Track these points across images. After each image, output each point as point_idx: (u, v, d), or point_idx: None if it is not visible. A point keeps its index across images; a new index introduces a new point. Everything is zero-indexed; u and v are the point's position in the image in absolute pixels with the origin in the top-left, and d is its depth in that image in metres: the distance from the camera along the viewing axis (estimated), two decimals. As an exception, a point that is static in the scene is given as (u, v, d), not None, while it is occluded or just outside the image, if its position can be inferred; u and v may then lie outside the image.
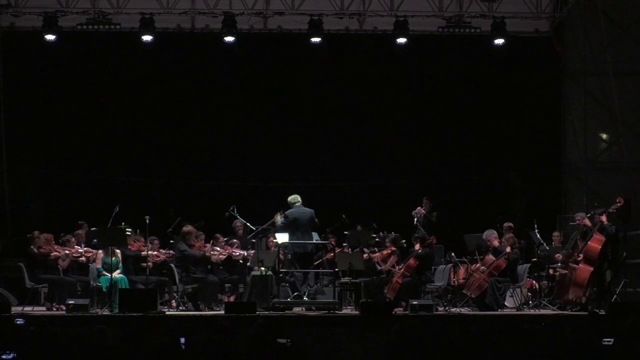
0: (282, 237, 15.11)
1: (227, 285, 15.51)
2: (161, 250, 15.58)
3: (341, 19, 18.62)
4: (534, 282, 15.80)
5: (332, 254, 15.24)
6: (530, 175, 19.40)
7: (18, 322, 11.04)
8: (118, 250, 14.75)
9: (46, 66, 18.87)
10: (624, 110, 18.46)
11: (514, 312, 14.68)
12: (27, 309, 14.14)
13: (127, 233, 14.90)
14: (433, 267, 15.73)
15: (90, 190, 18.73)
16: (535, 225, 16.50)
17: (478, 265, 15.09)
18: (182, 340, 8.54)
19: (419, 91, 19.52)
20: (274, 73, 19.43)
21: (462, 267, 15.94)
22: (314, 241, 15.18)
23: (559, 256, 15.14)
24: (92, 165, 19.02)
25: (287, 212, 15.03)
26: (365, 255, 15.58)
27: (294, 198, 15.15)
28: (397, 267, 15.37)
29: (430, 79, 19.45)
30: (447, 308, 14.94)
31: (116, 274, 14.38)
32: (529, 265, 15.58)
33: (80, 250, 15.01)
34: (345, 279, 15.24)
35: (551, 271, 15.42)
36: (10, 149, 18.45)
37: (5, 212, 18.11)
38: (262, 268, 14.78)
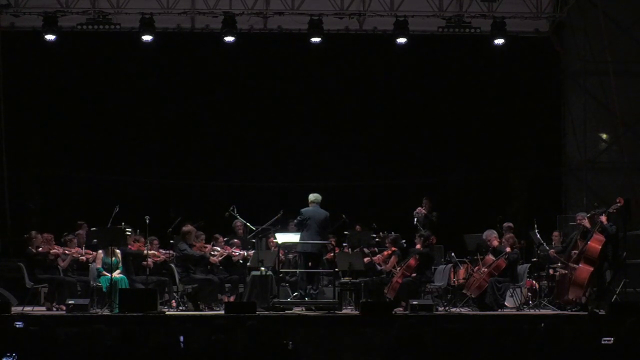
0: (282, 237, 15.10)
1: (227, 285, 15.49)
2: (161, 250, 15.58)
3: (341, 19, 18.60)
4: (534, 282, 15.79)
5: (332, 254, 15.24)
6: (530, 175, 19.41)
7: (17, 325, 11.01)
8: (118, 250, 14.74)
9: (46, 66, 18.87)
10: (624, 110, 18.44)
11: (514, 312, 14.67)
12: (27, 309, 14.12)
13: (127, 233, 14.90)
14: (433, 267, 15.72)
15: (90, 190, 18.74)
16: (535, 225, 16.48)
17: (478, 267, 15.06)
18: (182, 339, 8.55)
19: (419, 91, 19.51)
20: (274, 73, 19.43)
21: (462, 267, 15.93)
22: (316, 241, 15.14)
23: (552, 252, 15.14)
24: (92, 165, 19.03)
25: (302, 210, 14.96)
26: (366, 259, 15.55)
27: (316, 197, 14.96)
28: (397, 267, 15.36)
29: (430, 79, 19.44)
30: (447, 308, 14.92)
31: (116, 274, 14.37)
32: (529, 265, 15.57)
33: (80, 251, 15.01)
34: (345, 279, 15.25)
35: (551, 271, 15.41)
36: (10, 149, 18.44)
37: (5, 212, 18.10)
38: (262, 268, 14.78)
